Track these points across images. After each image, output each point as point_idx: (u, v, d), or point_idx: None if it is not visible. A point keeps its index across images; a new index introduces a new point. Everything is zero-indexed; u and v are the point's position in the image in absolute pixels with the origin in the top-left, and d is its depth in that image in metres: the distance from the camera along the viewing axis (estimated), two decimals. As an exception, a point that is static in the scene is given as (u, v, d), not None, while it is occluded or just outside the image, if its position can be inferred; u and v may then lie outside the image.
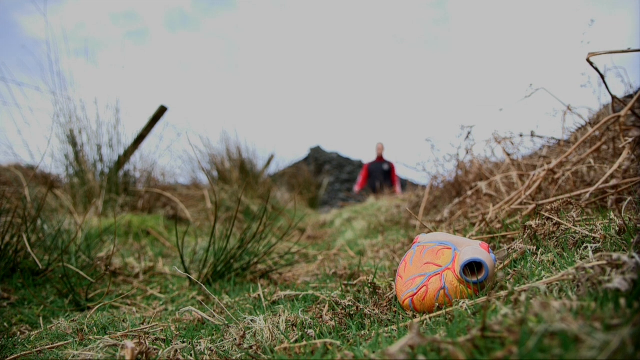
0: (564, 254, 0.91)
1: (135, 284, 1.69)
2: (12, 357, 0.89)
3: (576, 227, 1.01)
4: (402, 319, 0.89)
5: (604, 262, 0.66)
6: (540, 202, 1.37)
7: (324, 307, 1.04)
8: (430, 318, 0.82)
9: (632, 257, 0.63)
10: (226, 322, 1.01)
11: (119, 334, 0.99)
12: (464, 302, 0.79)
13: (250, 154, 4.53)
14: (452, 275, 0.88)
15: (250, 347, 0.82)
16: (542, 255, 0.95)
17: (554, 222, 1.07)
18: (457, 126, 2.56)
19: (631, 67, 2.07)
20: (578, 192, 1.35)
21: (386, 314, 0.93)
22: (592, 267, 0.67)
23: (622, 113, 1.35)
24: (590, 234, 0.94)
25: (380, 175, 8.41)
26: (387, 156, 8.71)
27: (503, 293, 0.74)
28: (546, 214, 1.12)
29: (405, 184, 10.44)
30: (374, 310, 0.94)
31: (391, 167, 8.67)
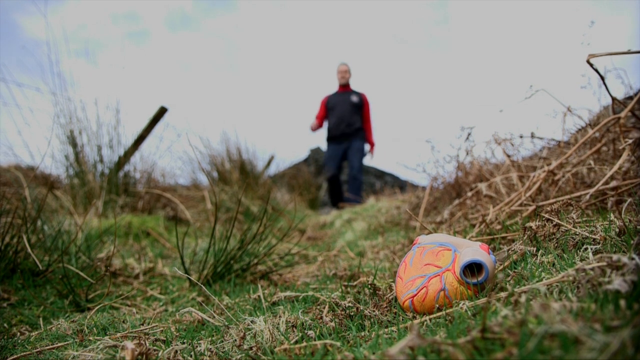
0: (564, 255, 0.91)
1: (135, 284, 1.68)
2: (12, 357, 0.89)
3: (576, 228, 1.01)
4: (402, 320, 0.89)
5: (604, 263, 0.66)
6: (540, 203, 1.37)
7: (324, 308, 1.04)
8: (430, 319, 0.82)
9: (632, 259, 0.63)
10: (226, 323, 1.01)
11: (119, 334, 0.99)
12: (464, 304, 0.79)
13: (250, 154, 4.54)
14: (452, 277, 0.88)
15: (250, 348, 0.82)
16: (542, 256, 0.95)
17: (554, 223, 1.07)
18: (457, 127, 2.57)
19: (631, 69, 2.07)
20: (578, 194, 1.35)
21: (386, 315, 0.93)
22: (592, 269, 0.67)
23: (622, 114, 1.35)
24: (590, 236, 0.94)
25: (348, 111, 5.68)
26: (356, 86, 6.01)
27: (503, 294, 0.74)
28: (546, 215, 1.12)
29: (405, 185, 9.41)
30: (374, 311, 0.94)
31: (363, 100, 5.83)
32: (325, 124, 6.13)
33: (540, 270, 0.86)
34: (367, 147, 6.04)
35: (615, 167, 1.27)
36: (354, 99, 5.82)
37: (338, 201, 5.90)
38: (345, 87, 5.96)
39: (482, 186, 1.90)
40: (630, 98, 2.01)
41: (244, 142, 4.61)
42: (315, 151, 13.13)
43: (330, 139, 5.99)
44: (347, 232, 3.08)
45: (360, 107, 5.86)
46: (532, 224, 1.11)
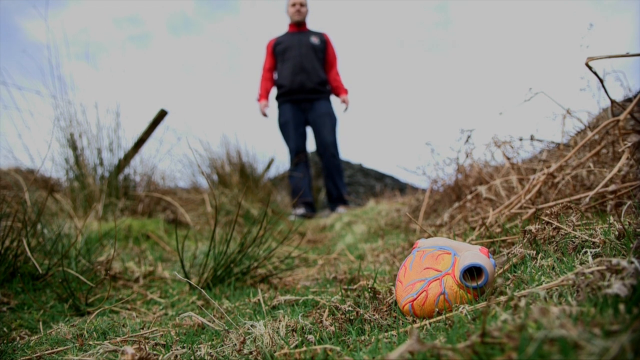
0: (564, 258, 0.91)
1: (135, 288, 1.68)
2: (11, 362, 0.88)
3: (576, 231, 1.01)
4: (402, 324, 0.89)
5: (604, 267, 0.66)
6: (540, 206, 1.37)
7: (324, 312, 1.04)
8: (430, 323, 0.82)
9: (632, 263, 0.63)
10: (226, 327, 1.01)
11: (118, 339, 0.98)
12: (463, 308, 0.79)
13: (250, 157, 4.53)
14: (451, 281, 0.88)
15: (250, 353, 0.82)
16: (541, 259, 0.95)
17: (554, 226, 1.07)
18: (457, 130, 2.57)
19: (630, 71, 2.08)
20: (578, 196, 1.35)
21: (386, 319, 0.93)
22: (592, 273, 0.67)
23: (621, 117, 1.35)
24: (590, 239, 0.94)
25: (307, 56, 4.19)
26: (315, 25, 4.60)
27: (502, 298, 0.74)
28: (546, 219, 1.12)
29: (405, 187, 9.30)
30: (373, 315, 0.94)
31: (326, 42, 4.39)
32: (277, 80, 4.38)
33: (539, 274, 0.86)
34: (335, 107, 4.52)
35: (615, 170, 1.28)
36: (314, 40, 4.26)
37: (304, 196, 4.29)
38: (300, 27, 4.37)
39: (482, 189, 1.90)
40: (630, 100, 2.01)
41: (244, 145, 4.55)
42: (315, 154, 13.12)
43: (283, 95, 4.27)
44: (347, 235, 3.08)
45: (323, 52, 4.31)
46: (532, 227, 1.11)
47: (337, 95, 4.50)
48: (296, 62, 4.20)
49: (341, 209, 4.37)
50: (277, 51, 4.34)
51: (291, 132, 4.31)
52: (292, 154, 4.37)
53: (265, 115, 4.42)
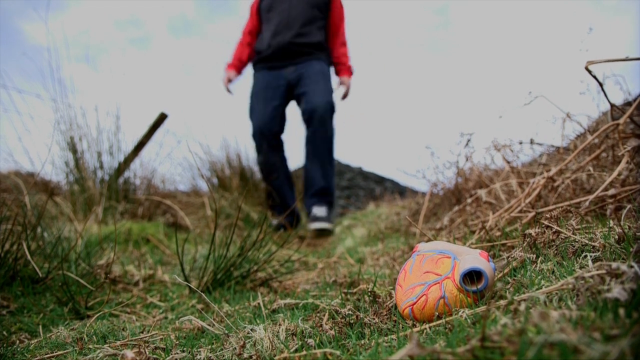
0: (564, 262, 0.91)
1: (135, 292, 1.68)
2: (11, 366, 0.88)
3: (575, 235, 1.01)
4: (402, 328, 0.89)
5: (603, 271, 0.66)
6: (540, 210, 1.37)
7: (324, 315, 1.04)
8: (430, 327, 0.82)
9: (631, 267, 0.63)
10: (226, 331, 1.01)
11: (118, 342, 0.98)
12: (463, 312, 0.79)
13: (250, 161, 4.52)
14: (451, 284, 0.88)
15: (250, 357, 0.82)
16: (541, 263, 0.95)
17: (554, 230, 1.07)
18: (457, 133, 2.57)
19: (630, 75, 2.08)
20: (577, 200, 1.35)
21: (386, 323, 0.93)
22: (592, 277, 0.67)
23: (621, 121, 1.35)
24: (590, 243, 0.94)
25: (298, 9, 2.99)
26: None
27: (502, 302, 0.74)
28: (546, 222, 1.12)
29: (405, 190, 9.23)
30: (373, 319, 0.94)
31: None
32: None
33: (539, 277, 0.86)
34: (332, 72, 3.29)
35: (614, 174, 1.28)
36: None
37: (282, 200, 3.27)
38: None
39: (482, 192, 1.90)
40: (629, 104, 2.02)
41: (244, 149, 4.56)
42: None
43: (261, 61, 3.14)
44: (346, 238, 3.08)
45: (323, 10, 3.10)
46: (532, 231, 1.11)
47: (337, 74, 3.31)
48: (282, 18, 3.01)
49: (317, 211, 3.04)
50: (263, 8, 3.17)
51: (259, 104, 3.02)
52: (255, 137, 3.05)
53: (228, 91, 3.30)
